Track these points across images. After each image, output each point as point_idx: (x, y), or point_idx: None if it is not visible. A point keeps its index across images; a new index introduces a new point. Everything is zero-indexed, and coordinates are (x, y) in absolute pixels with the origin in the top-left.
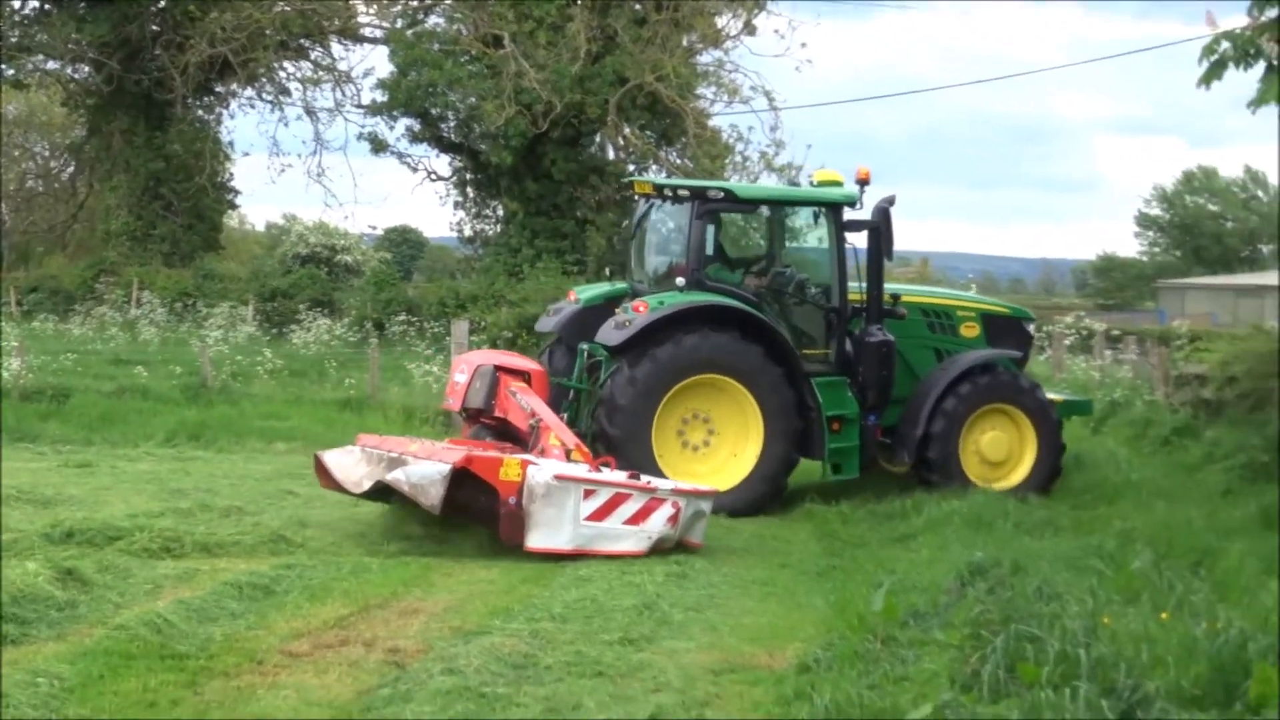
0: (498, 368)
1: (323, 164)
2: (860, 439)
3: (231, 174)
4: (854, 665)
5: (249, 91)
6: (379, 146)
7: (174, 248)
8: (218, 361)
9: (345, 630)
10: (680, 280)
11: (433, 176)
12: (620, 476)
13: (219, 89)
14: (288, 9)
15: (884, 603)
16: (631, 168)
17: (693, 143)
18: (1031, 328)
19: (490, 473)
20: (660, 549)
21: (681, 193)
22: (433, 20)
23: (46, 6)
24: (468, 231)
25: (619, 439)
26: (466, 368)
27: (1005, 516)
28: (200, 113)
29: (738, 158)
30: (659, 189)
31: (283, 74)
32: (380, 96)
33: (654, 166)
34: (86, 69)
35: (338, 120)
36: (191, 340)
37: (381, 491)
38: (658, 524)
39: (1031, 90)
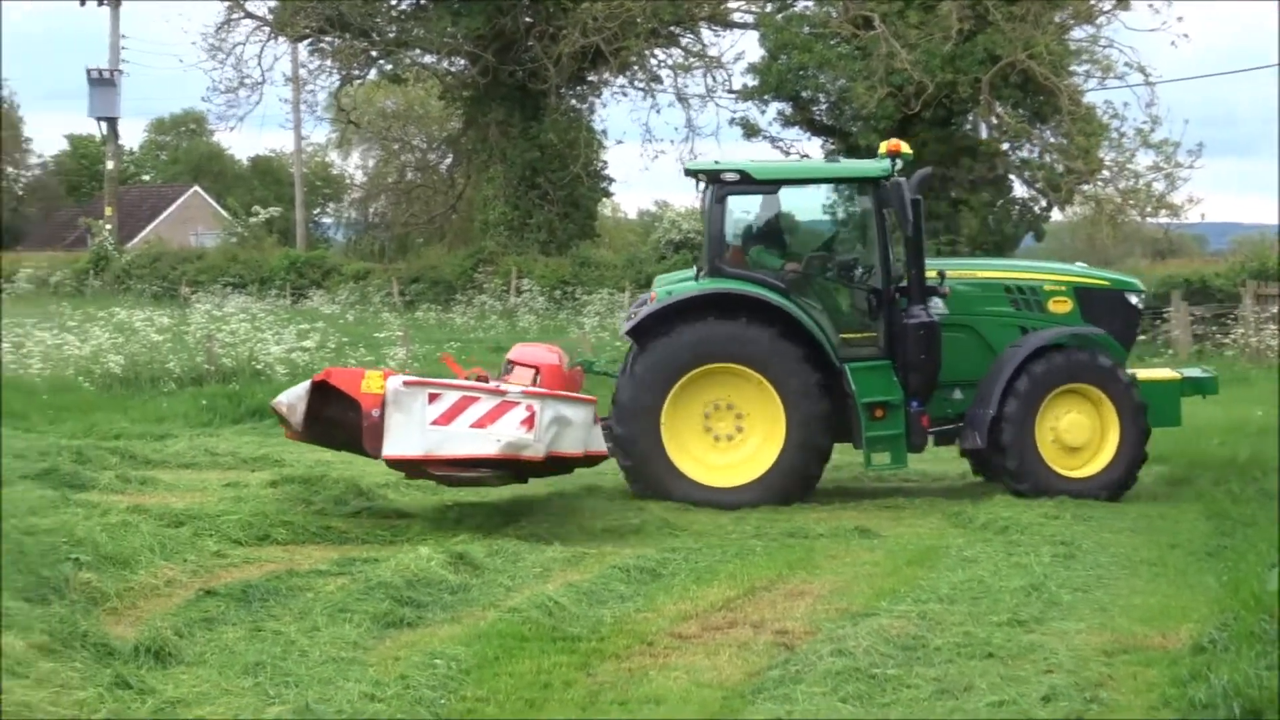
0: (510, 361)
1: (695, 150)
2: (905, 426)
3: (605, 162)
4: (1251, 646)
5: (621, 80)
6: (751, 131)
7: (550, 236)
8: (599, 348)
9: (733, 612)
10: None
11: (805, 160)
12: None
13: (591, 78)
14: None
15: None
16: (1005, 146)
17: (1066, 120)
18: (1137, 299)
19: (352, 386)
20: (528, 458)
21: (698, 176)
22: (802, 3)
23: (423, 2)
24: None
25: (624, 436)
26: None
27: None
28: (574, 102)
29: (1113, 134)
30: (688, 172)
31: (654, 61)
32: (751, 81)
33: (1028, 146)
34: (462, 62)
35: (709, 106)
36: (570, 328)
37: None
38: (509, 427)
39: None
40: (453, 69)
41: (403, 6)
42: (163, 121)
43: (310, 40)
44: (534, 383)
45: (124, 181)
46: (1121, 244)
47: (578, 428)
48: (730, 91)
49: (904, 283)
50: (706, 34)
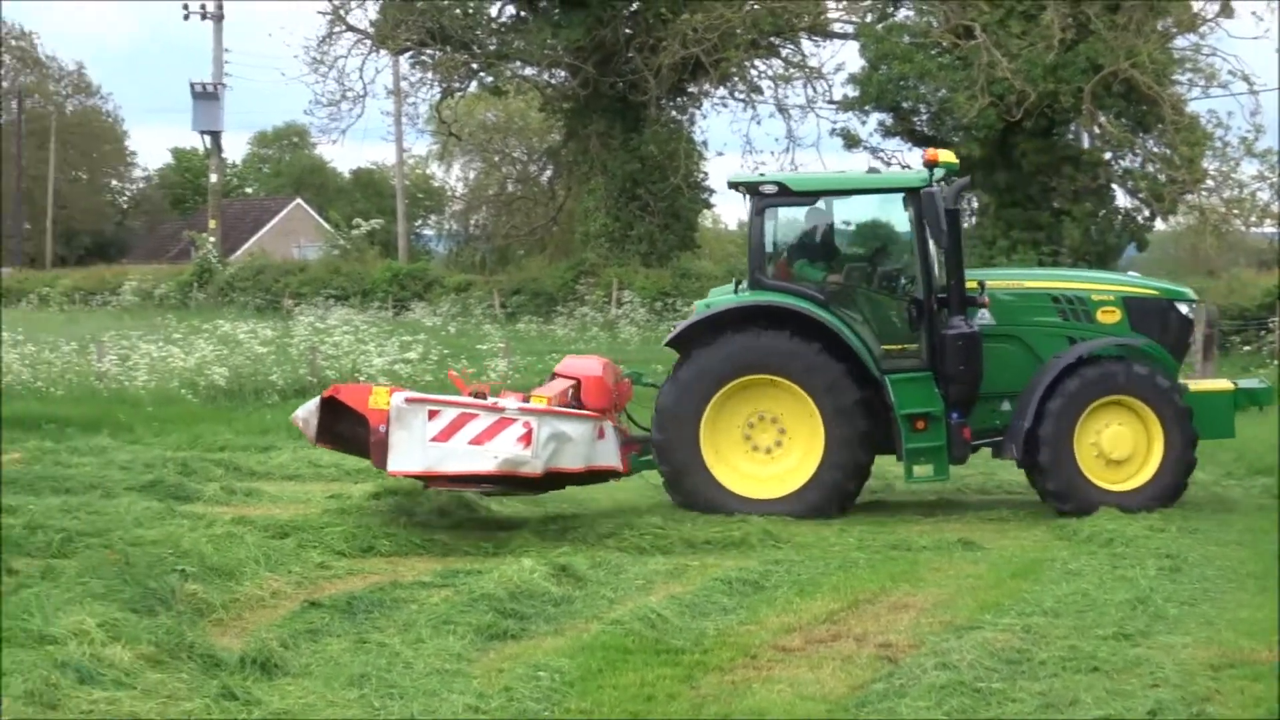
0: (554, 373)
1: (795, 161)
2: (946, 438)
3: (705, 173)
4: None
5: (721, 91)
6: (852, 142)
7: (651, 247)
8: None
9: (836, 625)
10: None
11: (906, 170)
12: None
13: (691, 89)
14: (758, 7)
15: None
16: (1108, 156)
17: (1170, 129)
18: (1188, 309)
19: (359, 402)
20: (525, 474)
21: (740, 188)
22: (903, 13)
23: (523, 14)
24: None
25: (663, 443)
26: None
27: None
28: (674, 113)
29: (1217, 144)
30: (731, 185)
31: (754, 72)
32: (851, 92)
33: (1130, 155)
34: (563, 74)
35: (809, 117)
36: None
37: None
38: (506, 444)
39: None
40: (553, 81)
41: (503, 19)
42: (265, 135)
43: (411, 53)
44: (570, 396)
45: (227, 194)
46: (1226, 254)
47: (578, 444)
48: (830, 102)
49: (944, 294)
50: (807, 45)
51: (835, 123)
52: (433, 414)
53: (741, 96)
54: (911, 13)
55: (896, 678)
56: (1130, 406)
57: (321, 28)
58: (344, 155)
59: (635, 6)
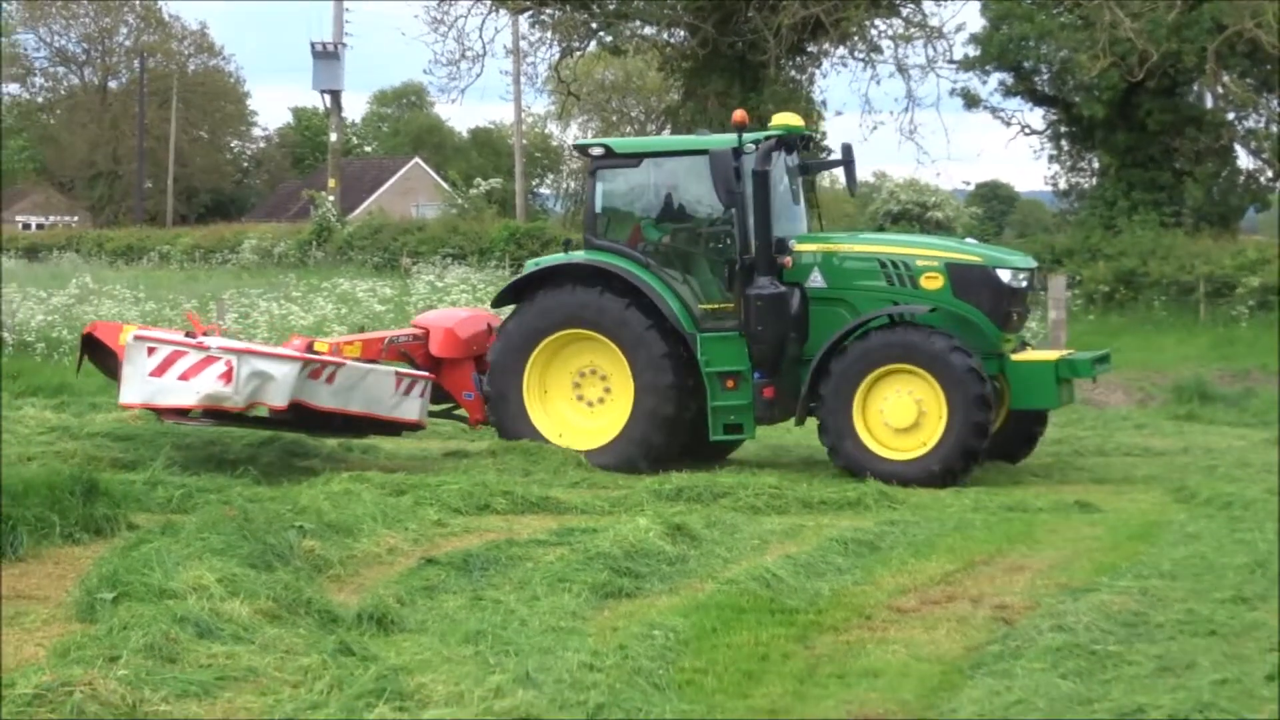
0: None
1: (914, 121)
2: (751, 397)
3: (824, 133)
4: None
5: (840, 50)
6: (972, 102)
7: None
8: None
9: (951, 586)
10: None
11: (1026, 130)
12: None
13: (811, 49)
14: None
15: None
16: (1231, 116)
17: None
18: (1009, 276)
19: (111, 338)
20: (228, 408)
21: (577, 152)
22: None
23: None
24: (1062, 185)
25: (490, 394)
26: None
27: None
28: (793, 73)
29: None
30: (575, 148)
31: (874, 32)
32: (972, 51)
33: (1254, 116)
34: (682, 33)
35: (929, 77)
36: None
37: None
38: (208, 381)
39: None
40: (672, 40)
41: None
42: (384, 94)
43: (531, 12)
44: (393, 346)
45: (346, 153)
46: None
47: (280, 383)
48: (951, 62)
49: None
50: (928, 4)
51: (955, 82)
52: (151, 350)
53: (861, 56)
54: None
55: (1012, 639)
56: (922, 378)
57: None
58: (462, 115)
59: None
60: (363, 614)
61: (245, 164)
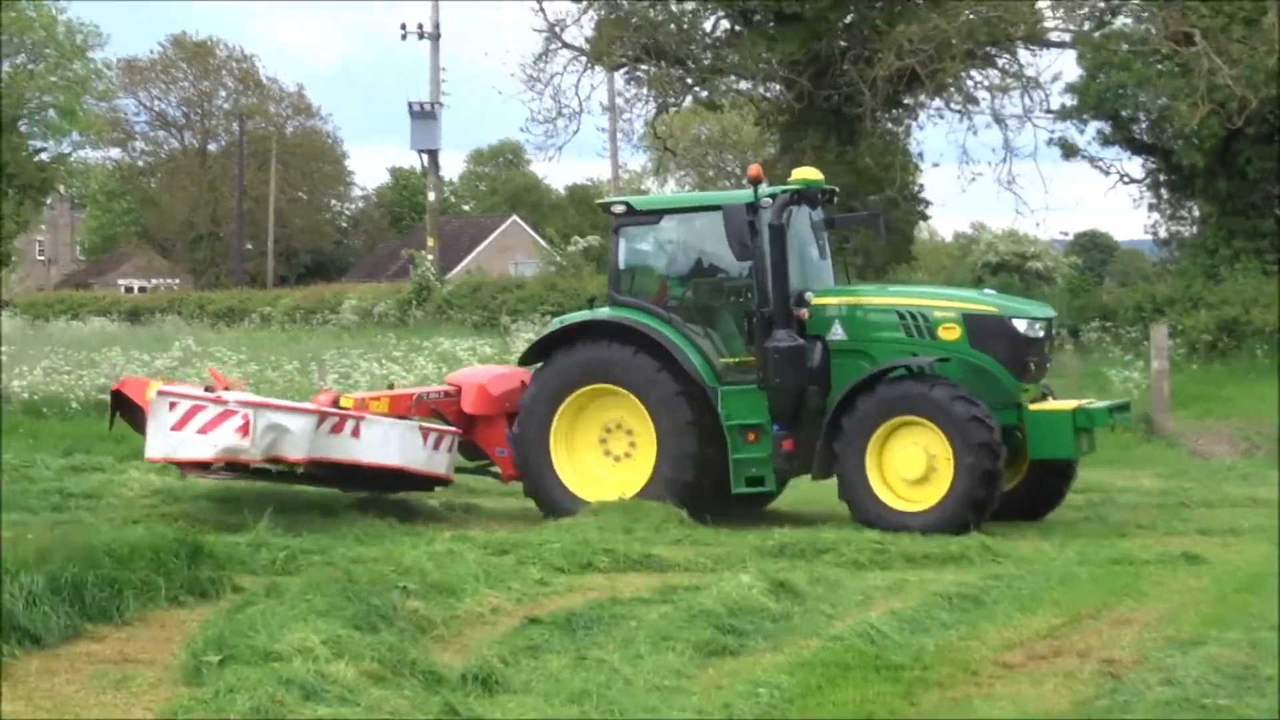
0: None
1: (1012, 171)
2: (771, 450)
3: (921, 185)
4: None
5: (937, 102)
6: (1070, 151)
7: (867, 260)
8: None
9: (1058, 640)
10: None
11: (1125, 179)
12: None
13: (907, 101)
14: (973, 18)
15: None
16: None
17: None
18: (1025, 326)
19: (139, 395)
20: (245, 461)
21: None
22: (1120, 20)
23: (737, 28)
24: (1162, 234)
25: (518, 439)
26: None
27: None
28: (889, 125)
29: None
30: (599, 206)
31: (970, 83)
32: (1069, 100)
33: None
34: (777, 87)
35: (1027, 126)
36: None
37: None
38: (226, 434)
39: None
40: (768, 94)
41: (718, 34)
42: (481, 153)
43: (626, 69)
44: (422, 402)
45: (444, 212)
46: None
47: (297, 436)
48: (1048, 111)
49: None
50: (1024, 54)
51: (1052, 132)
52: (172, 405)
53: (957, 107)
54: (1129, 20)
55: (1120, 694)
56: (930, 429)
57: (537, 45)
58: (559, 172)
59: (850, 19)
60: (467, 675)
61: (344, 224)
